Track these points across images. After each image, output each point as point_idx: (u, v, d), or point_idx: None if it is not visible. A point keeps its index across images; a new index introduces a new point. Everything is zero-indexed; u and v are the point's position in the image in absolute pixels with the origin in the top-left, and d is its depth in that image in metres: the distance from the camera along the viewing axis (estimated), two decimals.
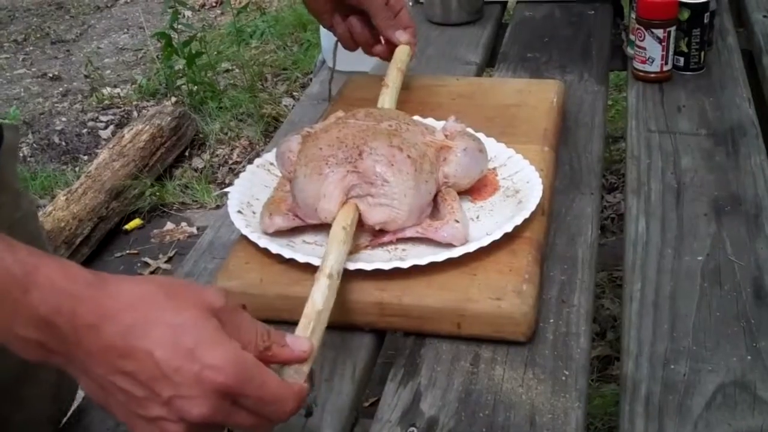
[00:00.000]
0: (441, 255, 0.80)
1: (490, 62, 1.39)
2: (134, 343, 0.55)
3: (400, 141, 0.85)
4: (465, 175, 0.89)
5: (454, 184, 0.88)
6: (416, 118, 0.98)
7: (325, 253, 0.77)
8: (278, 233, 0.86)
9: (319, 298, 0.71)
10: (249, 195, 0.92)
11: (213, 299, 0.59)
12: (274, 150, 0.95)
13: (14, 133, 0.83)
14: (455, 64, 1.33)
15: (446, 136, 0.91)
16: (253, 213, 0.89)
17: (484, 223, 0.87)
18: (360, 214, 0.83)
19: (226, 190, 0.87)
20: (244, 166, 2.85)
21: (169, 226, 2.44)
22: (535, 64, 1.32)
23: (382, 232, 0.84)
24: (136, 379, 0.56)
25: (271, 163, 0.96)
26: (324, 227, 0.84)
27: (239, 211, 0.89)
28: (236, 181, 0.94)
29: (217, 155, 2.72)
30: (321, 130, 0.89)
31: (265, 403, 0.59)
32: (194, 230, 2.40)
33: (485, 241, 0.81)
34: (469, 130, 0.95)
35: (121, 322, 0.55)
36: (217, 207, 2.46)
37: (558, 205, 0.97)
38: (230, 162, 2.69)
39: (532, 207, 0.86)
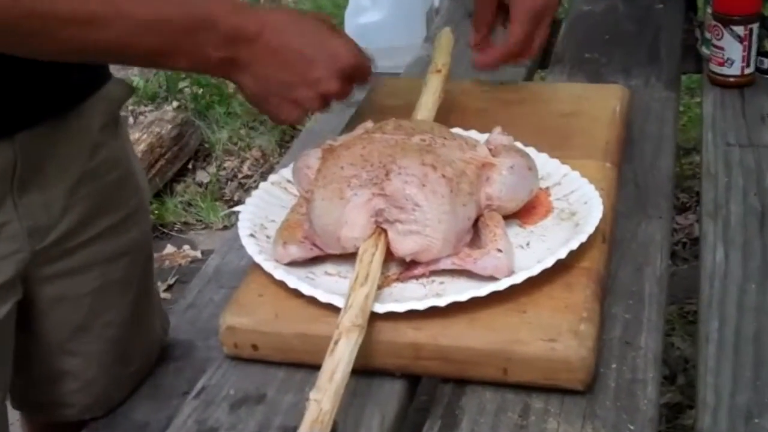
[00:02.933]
0: (484, 288, 0.80)
1: (542, 64, 1.40)
2: (291, 46, 0.88)
3: (433, 158, 0.85)
4: (511, 196, 0.89)
5: (498, 207, 0.88)
6: (456, 130, 0.98)
7: (348, 298, 0.77)
8: (296, 262, 0.86)
9: (342, 352, 0.72)
10: (263, 216, 0.93)
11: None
12: (292, 165, 0.96)
13: (124, 89, 1.09)
14: (501, 67, 1.32)
15: (490, 150, 0.91)
16: (267, 237, 0.90)
17: (535, 250, 0.87)
18: (388, 244, 0.83)
19: (235, 209, 0.89)
20: (256, 182, 2.87)
21: (170, 249, 2.45)
22: (594, 66, 1.32)
23: (413, 263, 0.85)
24: (291, 69, 0.88)
25: (289, 181, 0.97)
26: (348, 255, 0.84)
27: (251, 235, 0.90)
28: (248, 200, 0.95)
29: (224, 168, 2.73)
30: (343, 146, 0.89)
31: (362, 77, 0.94)
32: (198, 254, 2.42)
33: (535, 270, 0.81)
34: (518, 144, 0.95)
35: (285, 31, 0.88)
36: (225, 228, 2.48)
37: (621, 230, 0.96)
38: (240, 176, 2.70)
39: (590, 231, 0.85)
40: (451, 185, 0.84)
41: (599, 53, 1.36)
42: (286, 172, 0.99)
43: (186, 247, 2.46)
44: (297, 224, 0.88)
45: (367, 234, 0.83)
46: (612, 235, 0.93)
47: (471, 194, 0.86)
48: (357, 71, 0.92)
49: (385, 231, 0.84)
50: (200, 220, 2.54)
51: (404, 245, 0.83)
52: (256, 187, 0.98)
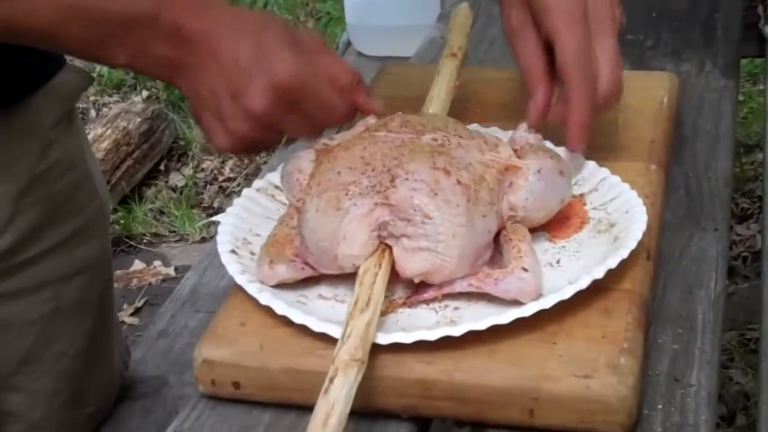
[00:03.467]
0: (506, 315, 0.79)
1: None
2: (228, 51, 0.87)
3: (447, 161, 0.85)
4: (539, 205, 0.89)
5: (523, 219, 0.88)
6: (474, 127, 0.98)
7: (346, 327, 0.77)
8: (285, 284, 0.87)
9: (339, 391, 0.72)
10: (246, 229, 0.93)
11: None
12: (280, 169, 0.97)
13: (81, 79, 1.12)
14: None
15: (515, 151, 0.91)
16: (251, 254, 0.90)
17: (567, 268, 0.87)
18: (394, 262, 0.83)
19: (215, 218, 0.89)
20: (239, 186, 2.86)
21: (138, 265, 2.46)
22: (637, 49, 1.32)
23: (423, 285, 0.85)
24: (220, 78, 0.87)
25: (277, 187, 0.98)
26: (346, 276, 0.84)
27: (233, 251, 0.90)
28: (229, 209, 0.95)
29: (202, 169, 2.74)
30: (340, 146, 0.90)
31: (319, 105, 0.90)
32: (171, 272, 2.43)
33: (567, 293, 0.81)
34: (547, 143, 0.95)
35: (226, 33, 0.87)
36: (203, 240, 2.49)
37: (669, 244, 0.96)
38: (220, 179, 2.71)
39: (632, 246, 0.85)
40: (467, 193, 0.84)
41: (644, 34, 1.36)
42: (273, 177, 0.99)
43: (157, 263, 2.47)
44: (286, 239, 0.88)
45: (369, 251, 0.83)
46: (658, 251, 0.93)
47: (491, 204, 0.86)
48: (310, 100, 0.90)
49: (389, 248, 0.84)
50: (174, 231, 2.56)
51: (412, 264, 0.83)
52: (240, 192, 0.99)
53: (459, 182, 0.84)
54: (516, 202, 0.88)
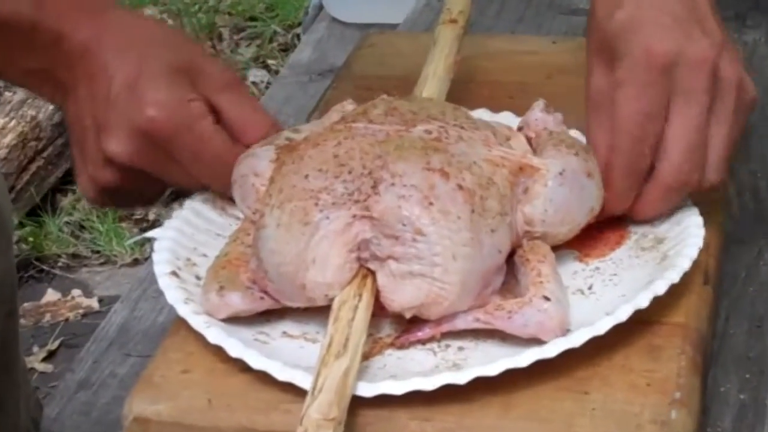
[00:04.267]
0: (524, 356, 0.80)
1: None
2: (105, 74, 0.89)
3: (445, 160, 0.85)
4: (561, 218, 0.89)
5: (543, 234, 0.89)
6: (479, 113, 0.99)
7: (317, 375, 0.77)
8: (241, 317, 0.87)
9: None
10: (190, 247, 0.94)
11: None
12: (233, 172, 0.96)
13: None
14: (550, 14, 1.34)
15: (529, 140, 0.92)
16: (197, 278, 0.91)
17: (602, 296, 0.87)
18: (378, 292, 0.83)
19: (150, 234, 0.89)
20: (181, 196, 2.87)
21: (51, 296, 2.46)
22: None
23: (417, 320, 0.85)
24: (90, 107, 0.90)
25: (226, 199, 0.98)
26: (317, 309, 0.84)
27: (174, 273, 0.90)
28: (168, 223, 0.96)
29: None
30: (309, 141, 0.89)
31: (198, 159, 0.92)
32: (94, 303, 2.43)
33: (602, 328, 0.81)
34: (574, 132, 0.96)
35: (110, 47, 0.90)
36: (135, 263, 2.49)
37: (733, 265, 0.97)
38: None
39: (685, 267, 0.86)
40: (471, 201, 0.84)
41: None
42: None
43: (76, 292, 2.47)
44: (240, 261, 0.89)
45: (346, 278, 0.83)
46: (718, 274, 0.93)
47: (503, 214, 0.86)
48: (182, 151, 0.92)
49: (372, 273, 0.84)
50: (98, 252, 2.56)
51: (402, 295, 0.83)
52: (181, 204, 0.99)
53: (460, 187, 0.84)
54: (532, 215, 0.88)
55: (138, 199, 0.97)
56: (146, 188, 0.95)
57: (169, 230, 0.95)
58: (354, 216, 0.83)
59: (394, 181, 0.84)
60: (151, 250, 0.93)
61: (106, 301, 2.38)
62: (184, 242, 0.94)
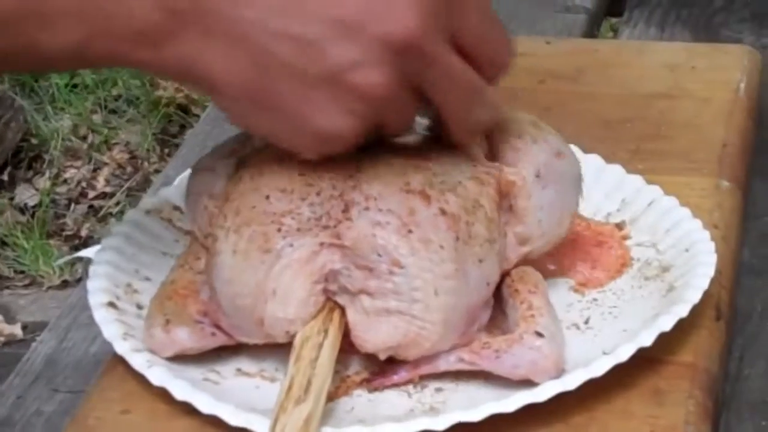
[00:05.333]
0: (512, 399, 0.79)
1: (612, 7, 1.42)
2: None
3: (426, 179, 0.84)
4: (559, 218, 0.90)
5: (529, 254, 0.88)
6: None
7: (275, 423, 0.76)
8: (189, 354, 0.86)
9: None
10: (131, 270, 0.93)
11: None
12: (181, 180, 0.97)
13: None
14: (546, 11, 1.35)
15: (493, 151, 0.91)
16: (139, 308, 0.90)
17: (600, 332, 0.87)
18: (347, 328, 0.82)
19: (82, 253, 0.88)
20: (120, 205, 2.85)
21: None
22: (701, 12, 1.34)
23: (392, 360, 0.84)
24: (309, 44, 0.79)
25: (176, 208, 0.98)
26: (276, 344, 0.83)
27: (111, 304, 0.89)
28: (106, 241, 0.95)
29: (65, 181, 2.77)
30: (270, 156, 0.88)
31: (488, 21, 0.84)
32: (17, 331, 2.44)
33: (600, 368, 0.80)
34: (574, 149, 0.95)
35: None
36: (64, 285, 2.50)
37: (749, 297, 0.97)
38: (91, 195, 2.74)
39: (695, 299, 0.85)
40: (456, 228, 0.82)
41: None
42: (170, 193, 0.99)
43: None
44: (189, 289, 0.88)
45: (310, 313, 0.82)
46: (732, 307, 0.93)
47: (491, 241, 0.85)
48: (428, 62, 0.82)
49: (341, 308, 0.83)
50: (21, 272, 2.58)
51: (375, 334, 0.82)
52: (121, 216, 0.97)
53: (443, 212, 0.83)
54: (527, 233, 0.88)
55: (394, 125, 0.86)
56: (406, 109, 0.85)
57: (107, 251, 0.94)
58: (321, 244, 0.83)
59: (369, 204, 0.83)
60: (84, 272, 0.91)
61: (30, 328, 2.42)
62: (123, 265, 0.93)
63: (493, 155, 0.90)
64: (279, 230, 0.82)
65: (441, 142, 0.89)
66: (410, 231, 0.81)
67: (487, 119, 0.87)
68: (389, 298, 0.81)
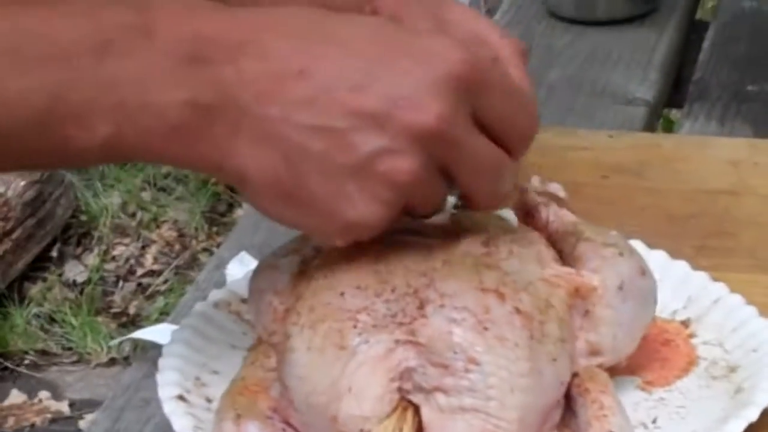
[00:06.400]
0: None
1: (671, 100, 1.41)
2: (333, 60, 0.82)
3: (498, 279, 0.85)
4: (632, 336, 0.90)
5: (603, 363, 0.89)
6: (508, 213, 0.98)
7: None
8: None
9: None
10: (199, 362, 0.94)
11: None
12: (247, 274, 0.97)
13: None
14: (605, 103, 1.35)
15: (550, 238, 0.93)
16: (208, 401, 0.90)
17: (668, 431, 0.87)
18: (421, 427, 0.82)
19: (136, 335, 0.87)
20: (168, 283, 2.83)
21: (16, 397, 2.46)
22: (762, 106, 1.33)
23: None
24: (337, 135, 0.81)
25: (244, 301, 0.98)
26: None
27: (181, 397, 0.90)
28: (175, 333, 0.96)
29: (113, 258, 2.74)
30: (341, 251, 0.88)
31: (511, 97, 0.86)
32: (65, 408, 2.43)
33: None
34: (637, 243, 0.96)
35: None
36: (112, 363, 2.49)
37: None
38: (139, 272, 2.71)
39: (764, 403, 0.85)
40: (530, 326, 0.83)
41: None
42: (239, 286, 1.00)
43: (44, 394, 2.48)
44: (260, 386, 0.88)
45: (385, 411, 0.82)
46: None
47: (563, 341, 0.85)
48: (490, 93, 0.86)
49: (415, 407, 0.83)
50: (69, 348, 2.56)
51: None
52: (169, 294, 0.98)
53: (518, 311, 0.83)
54: (600, 343, 0.88)
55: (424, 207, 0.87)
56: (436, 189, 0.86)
57: (176, 344, 0.94)
58: (397, 341, 0.83)
59: (444, 302, 0.83)
60: (131, 352, 0.92)
61: (77, 406, 2.40)
62: (193, 357, 0.94)
63: (564, 260, 0.91)
64: (354, 327, 0.83)
65: (506, 244, 0.90)
66: (486, 328, 0.82)
67: (510, 189, 0.89)
68: (464, 396, 0.81)
